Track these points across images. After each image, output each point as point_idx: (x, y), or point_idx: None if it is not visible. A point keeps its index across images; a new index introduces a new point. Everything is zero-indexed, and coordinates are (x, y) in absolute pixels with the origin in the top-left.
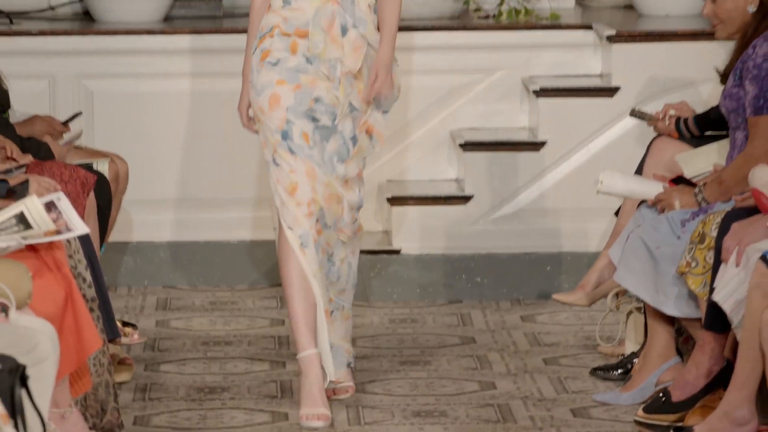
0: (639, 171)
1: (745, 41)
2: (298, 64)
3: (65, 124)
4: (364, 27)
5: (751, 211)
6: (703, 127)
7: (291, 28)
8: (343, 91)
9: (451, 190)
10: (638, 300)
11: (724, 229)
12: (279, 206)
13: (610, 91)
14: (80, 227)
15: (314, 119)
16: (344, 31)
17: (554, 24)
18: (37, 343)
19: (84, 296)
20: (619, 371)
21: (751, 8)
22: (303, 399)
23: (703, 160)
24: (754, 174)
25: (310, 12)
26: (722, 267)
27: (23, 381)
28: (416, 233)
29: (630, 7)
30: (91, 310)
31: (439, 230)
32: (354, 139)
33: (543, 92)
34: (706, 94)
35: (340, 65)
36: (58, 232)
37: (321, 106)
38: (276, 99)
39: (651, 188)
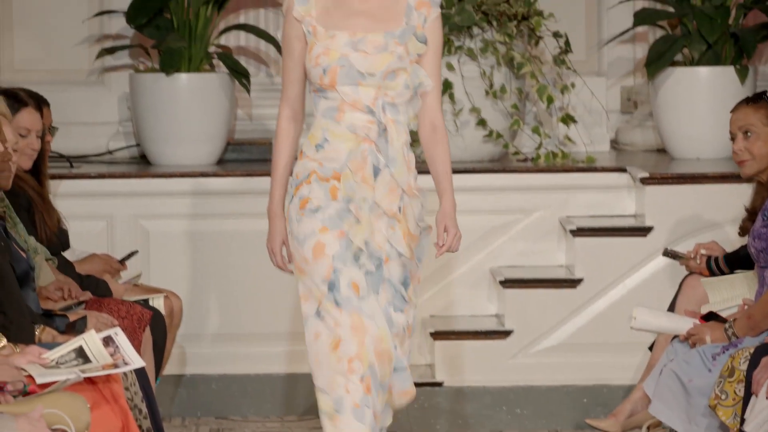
0: (671, 308)
1: None
2: (339, 210)
3: (122, 262)
4: (395, 166)
5: None
6: (733, 266)
7: (328, 173)
8: (365, 230)
9: (491, 325)
10: (671, 431)
11: (754, 362)
12: (312, 366)
13: (643, 231)
14: (136, 361)
15: (361, 266)
16: (376, 172)
17: (590, 167)
18: None
19: (140, 427)
20: None
21: None
22: None
23: (727, 287)
24: None
25: (344, 153)
26: (752, 399)
27: None
28: (458, 366)
29: (662, 151)
30: None
31: (481, 363)
32: (406, 284)
33: (579, 232)
34: (736, 234)
35: (368, 205)
36: (116, 366)
37: (367, 251)
38: (320, 248)
39: (683, 324)
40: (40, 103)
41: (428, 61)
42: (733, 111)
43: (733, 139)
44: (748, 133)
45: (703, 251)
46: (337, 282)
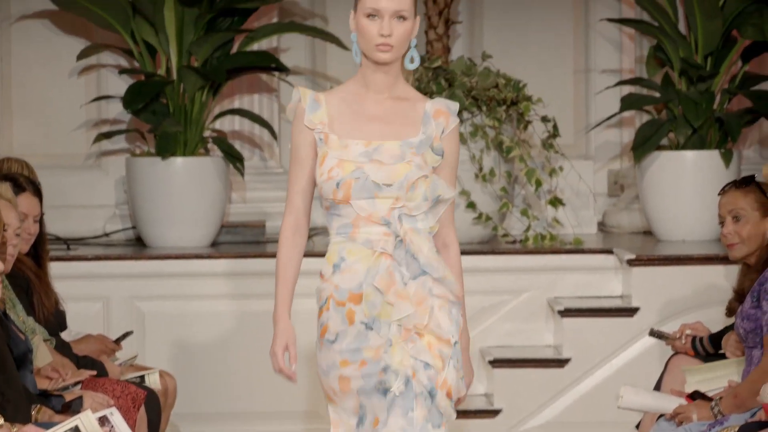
0: (657, 387)
1: (761, 264)
2: (357, 336)
3: (117, 342)
4: (435, 272)
5: (764, 425)
6: (718, 346)
7: (344, 295)
8: (396, 354)
9: (481, 404)
10: None
11: None
12: None
13: (630, 312)
14: None
15: (387, 390)
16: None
17: (577, 248)
18: None
19: None
20: None
21: None
22: None
23: (706, 373)
24: (765, 390)
25: (362, 272)
26: None
27: None
28: None
29: (649, 233)
30: None
31: None
32: (434, 393)
33: (567, 312)
34: (721, 315)
35: (393, 325)
36: None
37: (391, 374)
38: (345, 382)
39: (669, 403)
40: (38, 189)
41: (443, 172)
42: (721, 194)
43: (721, 222)
44: (738, 217)
45: (688, 331)
46: (364, 417)
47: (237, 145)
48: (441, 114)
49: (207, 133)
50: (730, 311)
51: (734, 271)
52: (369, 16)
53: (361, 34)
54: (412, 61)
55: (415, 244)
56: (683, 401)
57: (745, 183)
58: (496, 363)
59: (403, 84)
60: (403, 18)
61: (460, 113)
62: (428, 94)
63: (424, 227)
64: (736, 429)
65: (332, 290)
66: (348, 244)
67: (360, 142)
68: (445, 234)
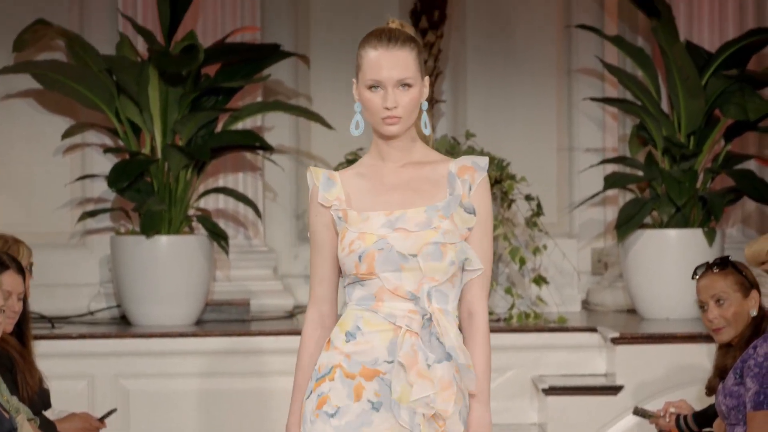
0: None
1: (743, 342)
2: (361, 415)
3: (101, 420)
4: (459, 358)
5: None
6: (702, 424)
7: (356, 367)
8: None
9: None
10: None
11: None
12: None
13: (614, 390)
14: None
15: None
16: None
17: (561, 327)
18: None
19: None
20: None
21: (753, 312)
22: None
23: None
24: None
25: (381, 346)
26: None
27: None
28: None
29: (632, 311)
30: None
31: None
32: None
33: (551, 390)
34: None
35: (422, 409)
36: None
37: None
38: None
39: None
40: (21, 266)
41: (476, 237)
42: (699, 279)
43: (703, 307)
44: (721, 301)
45: (672, 410)
46: None
47: (221, 223)
48: (467, 170)
49: (191, 212)
50: (710, 390)
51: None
52: (371, 87)
53: (365, 107)
54: (425, 125)
55: (442, 326)
56: None
57: (721, 265)
58: None
59: (421, 147)
60: (407, 86)
61: None
62: None
63: (453, 309)
64: None
65: (341, 360)
66: (368, 315)
67: (381, 213)
68: (472, 301)
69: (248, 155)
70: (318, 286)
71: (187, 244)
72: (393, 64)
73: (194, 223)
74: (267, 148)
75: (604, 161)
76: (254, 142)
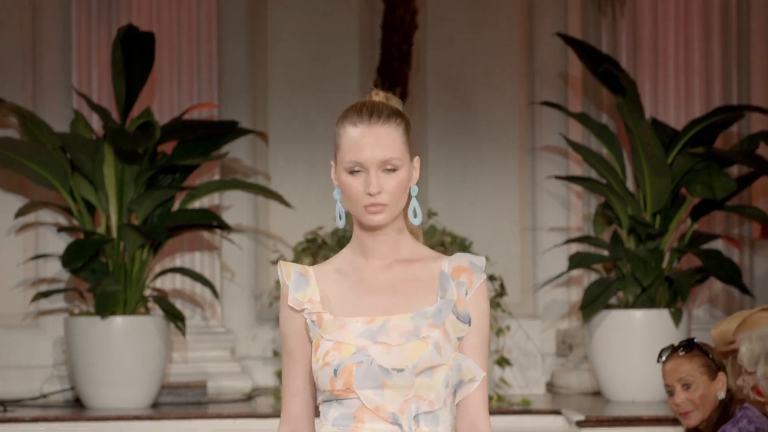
0: None
1: (712, 426)
2: None
3: None
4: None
5: None
6: None
7: None
8: None
9: None
10: None
11: None
12: None
13: None
14: None
15: None
16: None
17: (525, 409)
18: None
19: None
20: None
21: (721, 394)
22: None
23: None
24: None
25: None
26: None
27: None
28: None
29: (598, 394)
30: None
31: None
32: None
33: None
34: None
35: None
36: None
37: None
38: None
39: None
40: None
41: (471, 344)
42: (665, 363)
43: (669, 391)
44: (688, 384)
45: None
46: None
47: (178, 303)
48: (462, 271)
49: (147, 292)
50: None
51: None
52: (351, 171)
53: (345, 193)
54: (414, 214)
55: None
56: None
57: (687, 348)
58: None
59: (409, 242)
60: (393, 168)
61: None
62: None
63: (445, 430)
64: None
65: None
66: None
67: (360, 320)
68: (476, 417)
69: (205, 234)
70: (290, 402)
71: (142, 325)
72: (376, 144)
73: (150, 304)
74: (224, 227)
75: (569, 241)
76: (211, 221)
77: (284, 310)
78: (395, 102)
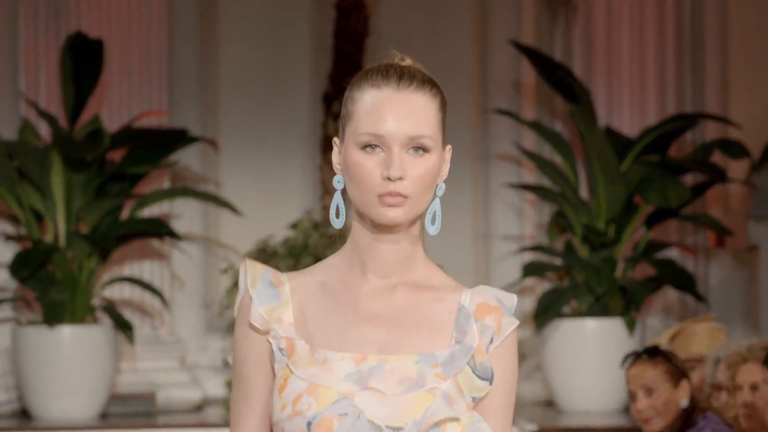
0: None
1: None
2: None
3: None
4: None
5: None
6: None
7: None
8: None
9: None
10: None
11: None
12: None
13: None
14: None
15: None
16: None
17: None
18: None
19: None
20: None
21: (684, 402)
22: None
23: None
24: None
25: None
26: None
27: None
28: None
29: (551, 403)
30: None
31: None
32: None
33: None
34: None
35: None
36: None
37: None
38: None
39: None
40: None
41: (492, 408)
42: (629, 368)
43: (632, 396)
44: (650, 390)
45: None
46: None
47: (127, 312)
48: (489, 311)
49: (96, 301)
50: None
51: None
52: (366, 147)
53: (352, 177)
54: (433, 221)
55: None
56: None
57: (651, 354)
58: None
59: (423, 261)
60: (423, 149)
61: None
62: None
63: None
64: None
65: None
66: None
67: (348, 357)
68: None
69: (155, 242)
70: None
71: (91, 335)
72: (404, 113)
73: (99, 313)
74: (174, 235)
75: (522, 249)
76: (161, 229)
77: (242, 327)
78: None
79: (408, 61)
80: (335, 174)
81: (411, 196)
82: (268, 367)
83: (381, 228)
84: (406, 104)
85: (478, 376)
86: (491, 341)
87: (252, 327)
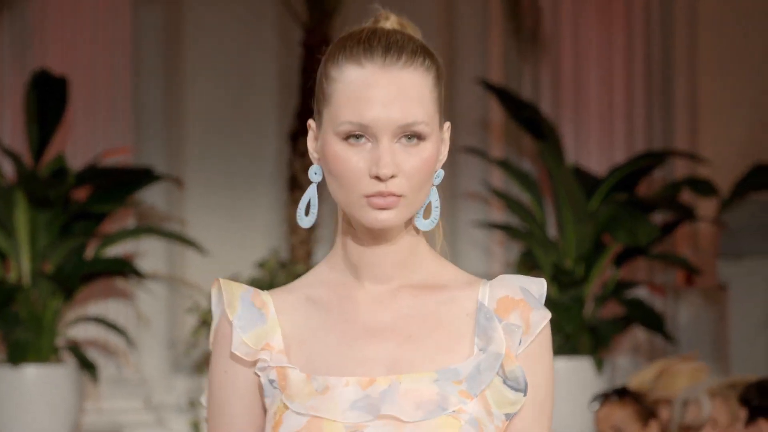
0: None
1: None
2: None
3: None
4: None
5: None
6: None
7: None
8: None
9: None
10: None
11: None
12: None
13: None
14: None
15: None
16: None
17: None
18: None
19: None
20: None
21: None
22: None
23: None
24: None
25: None
26: None
27: None
28: None
29: None
30: None
31: None
32: None
33: None
34: None
35: None
36: None
37: None
38: None
39: None
40: None
41: (526, 420)
42: (599, 409)
43: None
44: (620, 431)
45: None
46: None
47: (92, 352)
48: (513, 306)
49: (60, 341)
50: None
51: None
52: (348, 137)
53: (334, 172)
54: (426, 214)
55: None
56: None
57: (620, 394)
58: None
59: (427, 256)
60: (418, 137)
61: None
62: None
63: None
64: None
65: None
66: None
67: (353, 382)
68: None
69: (120, 282)
70: None
71: (55, 374)
72: (393, 96)
73: (63, 353)
74: (138, 274)
75: None
76: (126, 268)
77: (221, 359)
78: (413, 31)
79: (392, 20)
80: (309, 168)
81: (406, 194)
82: (256, 403)
83: (372, 232)
84: (395, 85)
85: (510, 387)
86: (520, 342)
87: (234, 357)
